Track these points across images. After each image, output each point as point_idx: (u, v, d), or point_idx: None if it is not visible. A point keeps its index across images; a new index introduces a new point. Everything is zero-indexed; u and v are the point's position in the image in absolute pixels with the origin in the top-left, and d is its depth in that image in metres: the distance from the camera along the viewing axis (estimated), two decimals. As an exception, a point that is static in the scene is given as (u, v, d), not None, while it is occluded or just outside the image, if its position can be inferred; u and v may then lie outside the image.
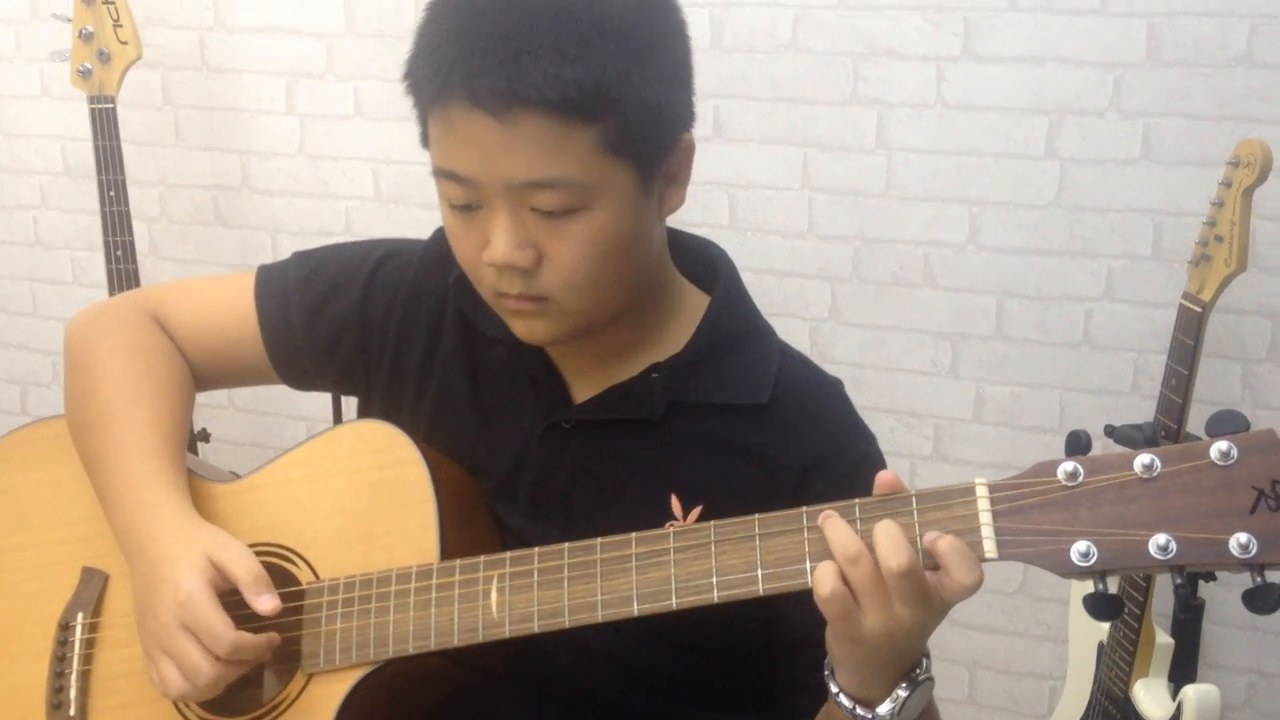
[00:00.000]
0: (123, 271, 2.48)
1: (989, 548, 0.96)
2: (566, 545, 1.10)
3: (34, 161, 2.96)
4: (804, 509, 1.02)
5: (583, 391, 1.25)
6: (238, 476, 1.30)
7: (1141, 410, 2.32)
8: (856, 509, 1.00)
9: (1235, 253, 1.89)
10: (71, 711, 1.26)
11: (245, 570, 1.16)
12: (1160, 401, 2.00)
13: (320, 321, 1.32)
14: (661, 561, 1.05)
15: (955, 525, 0.97)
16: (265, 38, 2.72)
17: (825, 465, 1.18)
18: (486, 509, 1.26)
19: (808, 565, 1.00)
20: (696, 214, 2.47)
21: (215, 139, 2.81)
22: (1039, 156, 2.31)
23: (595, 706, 1.25)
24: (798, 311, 2.50)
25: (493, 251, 1.09)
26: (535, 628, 1.09)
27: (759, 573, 1.02)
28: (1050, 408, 2.41)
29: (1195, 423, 1.97)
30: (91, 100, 2.46)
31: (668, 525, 1.08)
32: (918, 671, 1.03)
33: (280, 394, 2.85)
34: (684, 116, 1.14)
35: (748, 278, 1.30)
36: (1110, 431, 1.97)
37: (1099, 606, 0.96)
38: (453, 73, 1.05)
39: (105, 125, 2.46)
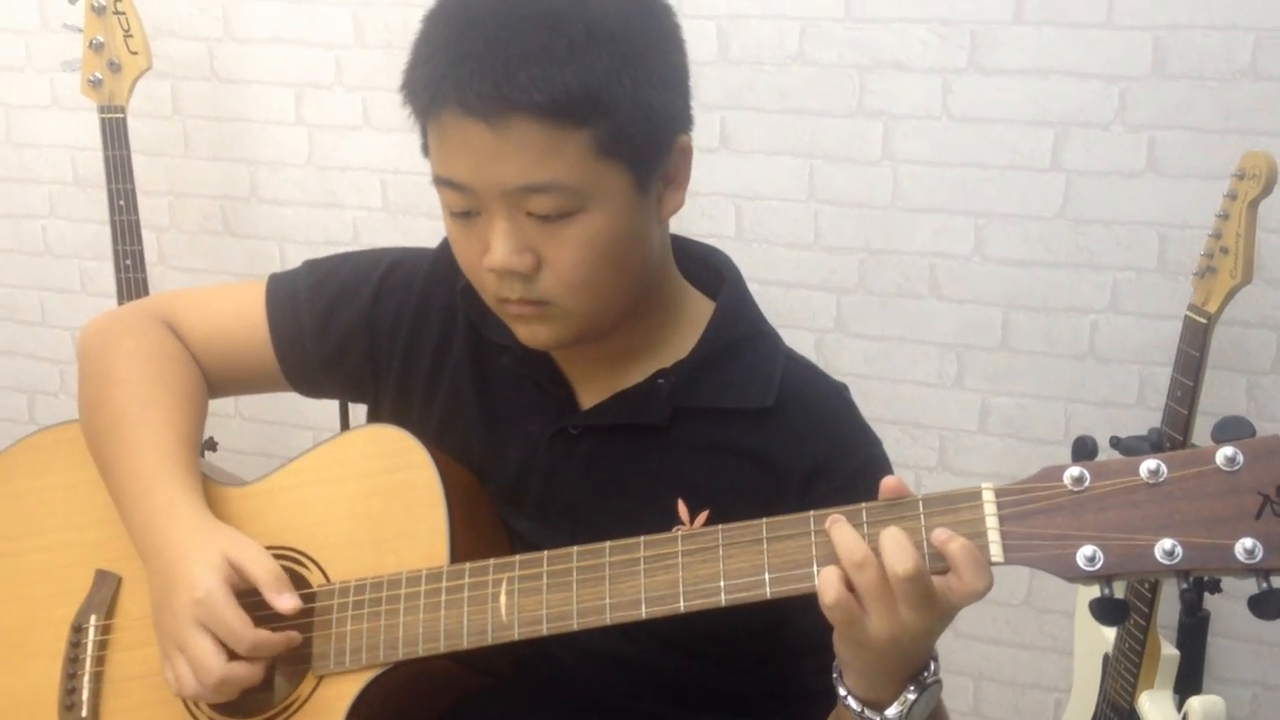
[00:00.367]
0: (132, 280, 2.49)
1: (995, 552, 0.97)
2: (575, 549, 1.10)
3: (43, 171, 2.97)
4: (811, 513, 1.03)
5: (589, 397, 1.25)
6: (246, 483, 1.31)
7: (1146, 422, 2.32)
8: (863, 513, 1.01)
9: (1240, 265, 1.89)
10: (84, 713, 1.26)
11: (264, 570, 1.16)
12: (1165, 413, 2.00)
13: (330, 329, 1.33)
14: (669, 565, 1.06)
15: (962, 530, 0.97)
16: (274, 49, 2.74)
17: (831, 469, 1.19)
18: (495, 514, 1.27)
19: (815, 569, 1.01)
20: (703, 224, 2.48)
21: (224, 149, 2.83)
22: (1044, 169, 2.32)
23: (602, 711, 1.26)
24: (803, 322, 2.50)
25: (492, 257, 1.10)
26: (544, 630, 1.09)
27: (766, 576, 1.03)
28: (1055, 419, 2.42)
29: (1200, 435, 1.97)
30: (102, 110, 2.47)
31: (675, 529, 1.09)
32: (925, 674, 1.03)
33: (287, 403, 2.86)
34: (678, 119, 1.15)
35: (753, 288, 1.31)
36: (1116, 443, 1.98)
37: (1105, 611, 0.96)
38: (444, 81, 1.06)
39: (115, 135, 2.47)
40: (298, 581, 1.20)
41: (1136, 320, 2.33)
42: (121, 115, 2.48)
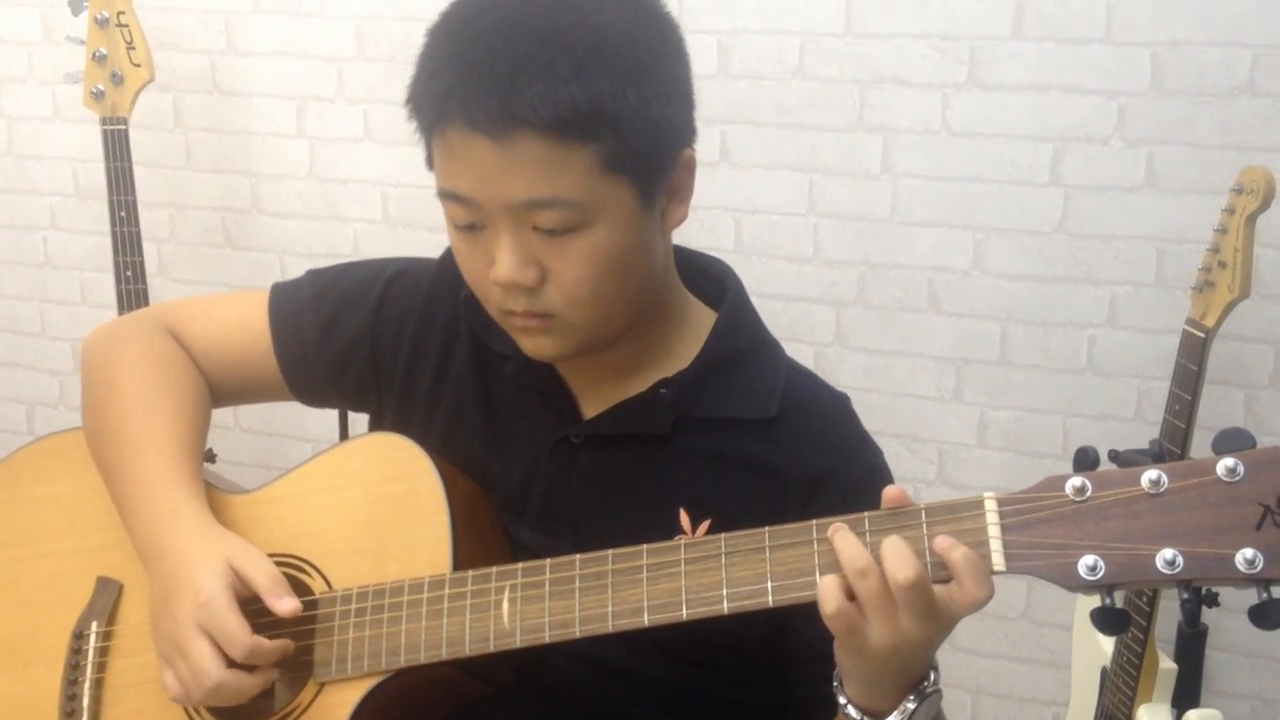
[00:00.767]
0: (132, 292, 2.50)
1: (997, 560, 0.97)
2: (578, 556, 1.10)
3: (45, 183, 2.98)
4: (814, 522, 1.03)
5: (592, 407, 1.26)
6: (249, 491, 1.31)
7: (1144, 436, 2.32)
8: (866, 522, 1.01)
9: (1239, 279, 1.90)
10: (84, 719, 1.26)
11: (264, 574, 1.16)
12: (1164, 426, 2.01)
13: (332, 338, 1.34)
14: (672, 573, 1.06)
15: (964, 538, 0.98)
16: (276, 61, 2.75)
17: (833, 478, 1.19)
18: (498, 523, 1.27)
19: (817, 578, 1.01)
20: (703, 238, 2.49)
21: (225, 161, 2.84)
22: (1043, 183, 2.33)
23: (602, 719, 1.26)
24: (803, 336, 2.51)
25: (497, 271, 1.11)
26: (546, 638, 1.10)
27: (769, 584, 1.03)
28: (1054, 433, 2.42)
29: (1198, 448, 1.98)
30: (104, 122, 2.48)
31: (677, 538, 1.09)
32: (925, 684, 1.03)
33: (286, 415, 2.87)
34: (683, 132, 1.15)
35: (753, 302, 1.31)
36: (1114, 456, 1.97)
37: (1106, 621, 0.97)
38: (450, 97, 1.06)
39: (117, 146, 2.48)
40: (300, 589, 1.20)
41: (1135, 334, 2.34)
42: (123, 127, 2.49)
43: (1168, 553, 0.93)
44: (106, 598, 1.29)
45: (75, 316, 3.04)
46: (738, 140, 2.47)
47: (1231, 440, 0.95)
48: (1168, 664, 2.09)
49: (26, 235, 3.03)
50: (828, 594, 0.98)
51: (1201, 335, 1.95)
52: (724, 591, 1.04)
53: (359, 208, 2.77)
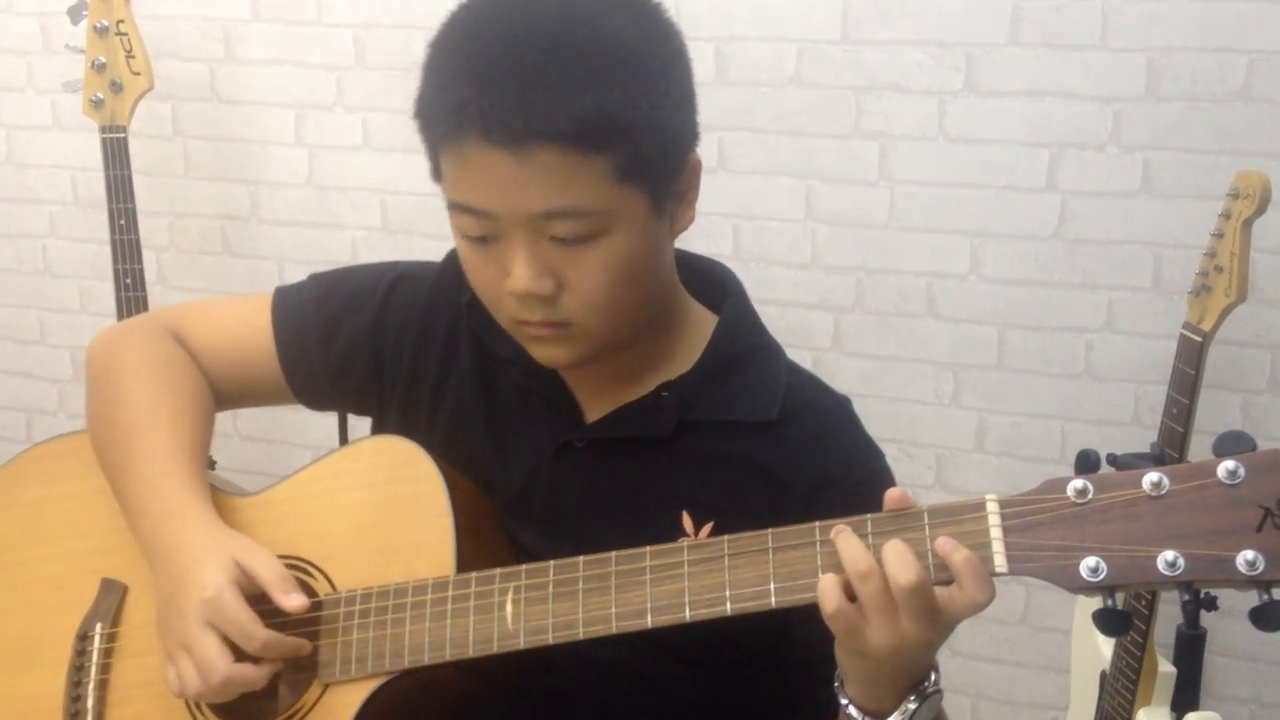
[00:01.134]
0: (132, 299, 2.50)
1: (999, 562, 0.97)
2: (582, 559, 1.11)
3: (44, 191, 2.98)
4: (816, 524, 1.03)
5: (595, 411, 1.26)
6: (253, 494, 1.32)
7: (1142, 441, 2.32)
8: (868, 524, 1.01)
9: (1235, 283, 1.91)
10: (88, 721, 1.27)
11: (271, 571, 1.17)
12: (1161, 430, 2.02)
13: (335, 341, 1.34)
14: (675, 575, 1.07)
15: (966, 540, 0.98)
16: (275, 70, 2.75)
17: (835, 481, 1.20)
18: (501, 525, 1.27)
19: (820, 579, 1.01)
20: (701, 244, 2.45)
21: (224, 169, 2.84)
22: (1040, 189, 2.34)
23: (606, 722, 1.26)
24: (801, 342, 2.51)
25: (514, 281, 1.11)
26: (550, 639, 1.10)
27: (771, 586, 1.03)
28: (1051, 438, 2.43)
29: (1195, 453, 1.99)
30: (103, 130, 2.49)
31: (681, 540, 1.10)
32: (926, 684, 1.04)
33: (286, 422, 2.88)
34: (690, 137, 1.16)
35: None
36: (1113, 460, 1.98)
37: (1108, 622, 0.97)
38: (465, 110, 1.06)
39: (117, 154, 2.49)
40: (305, 590, 1.19)
41: (1132, 339, 2.34)
42: (123, 135, 2.49)
43: (1169, 554, 0.93)
44: (111, 599, 1.29)
45: (74, 324, 3.04)
46: (735, 147, 2.48)
47: (1232, 443, 0.95)
48: (1167, 667, 2.09)
49: (26, 243, 3.03)
50: (827, 593, 0.98)
51: (1199, 340, 1.95)
52: (727, 593, 1.04)
53: (358, 215, 2.77)
